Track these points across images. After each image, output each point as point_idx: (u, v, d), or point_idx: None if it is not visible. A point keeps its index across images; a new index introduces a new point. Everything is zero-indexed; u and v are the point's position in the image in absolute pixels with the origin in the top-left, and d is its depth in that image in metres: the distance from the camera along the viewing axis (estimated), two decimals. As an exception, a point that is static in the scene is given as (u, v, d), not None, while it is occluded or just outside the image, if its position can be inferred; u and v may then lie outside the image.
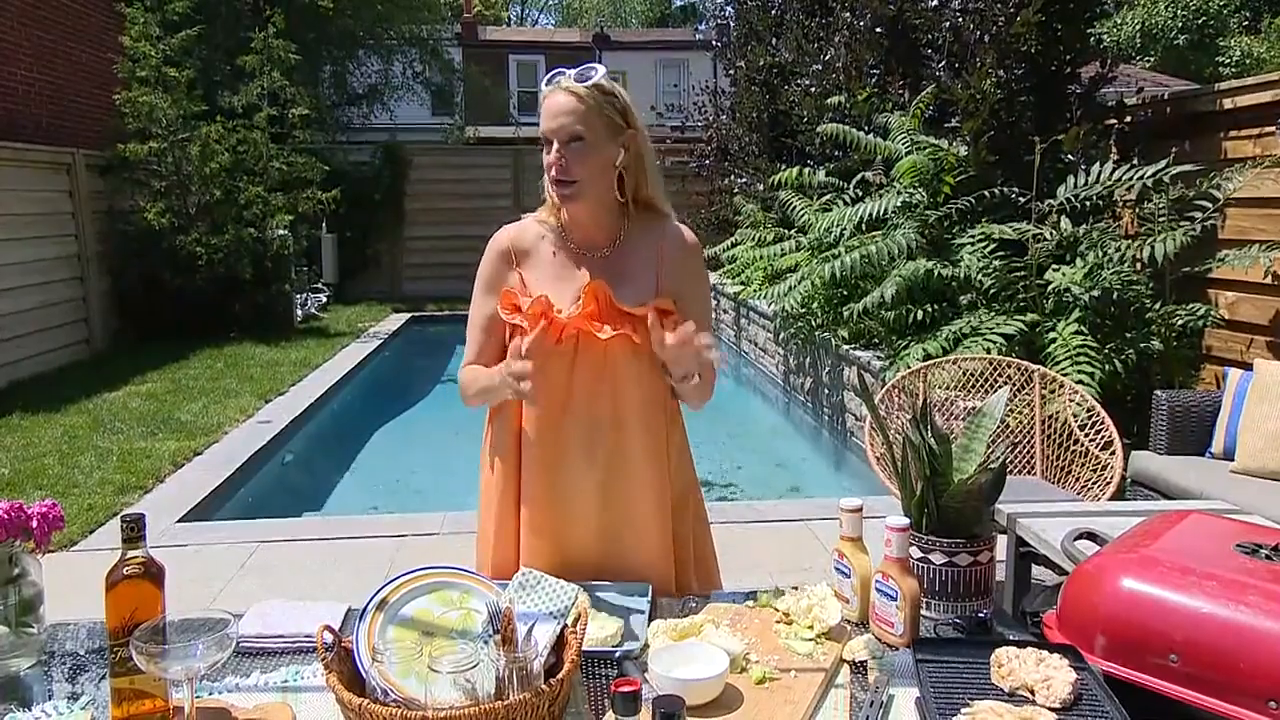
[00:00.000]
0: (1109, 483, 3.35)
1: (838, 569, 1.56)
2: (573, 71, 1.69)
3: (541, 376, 1.62)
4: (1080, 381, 4.09)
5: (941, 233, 5.48)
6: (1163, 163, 4.72)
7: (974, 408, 3.66)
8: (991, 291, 5.05)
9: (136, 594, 1.25)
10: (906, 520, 1.47)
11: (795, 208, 7.03)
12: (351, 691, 1.18)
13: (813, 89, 7.52)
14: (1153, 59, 18.30)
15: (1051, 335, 4.62)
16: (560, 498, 1.72)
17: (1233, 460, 3.60)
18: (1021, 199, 5.24)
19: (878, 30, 6.64)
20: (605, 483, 1.71)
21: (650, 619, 1.52)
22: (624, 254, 1.73)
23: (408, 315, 12.02)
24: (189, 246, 9.29)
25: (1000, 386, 3.65)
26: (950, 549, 1.53)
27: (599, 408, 1.70)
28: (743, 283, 8.44)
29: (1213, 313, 4.79)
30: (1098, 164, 4.99)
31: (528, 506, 1.75)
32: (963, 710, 1.18)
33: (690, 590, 1.77)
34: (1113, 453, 3.42)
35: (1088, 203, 5.03)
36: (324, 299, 12.29)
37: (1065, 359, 4.37)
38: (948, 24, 5.89)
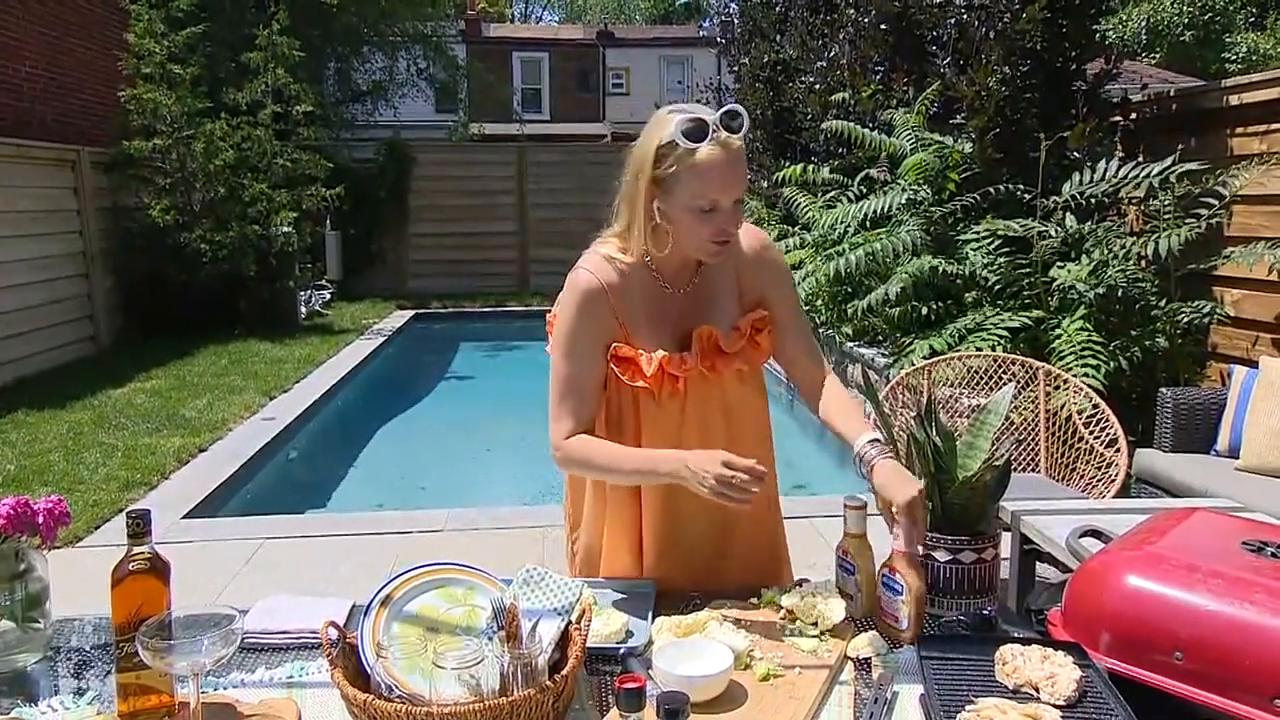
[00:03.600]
0: (1114, 480, 3.34)
1: (842, 566, 1.56)
2: (716, 118, 1.51)
3: (659, 429, 1.62)
4: (1085, 378, 4.08)
5: (946, 229, 5.47)
6: (1169, 160, 4.70)
7: (978, 405, 3.66)
8: (996, 288, 5.04)
9: (142, 590, 1.25)
10: None
11: (799, 205, 7.02)
12: (356, 687, 1.18)
13: (817, 86, 7.51)
14: (1159, 55, 18.22)
15: (1057, 332, 4.61)
16: (679, 526, 1.69)
17: (1238, 458, 3.59)
18: (1026, 196, 5.22)
19: (882, 27, 6.63)
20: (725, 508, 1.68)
21: (654, 616, 1.53)
22: (705, 280, 1.68)
23: (412, 312, 12.04)
24: (193, 243, 9.30)
25: (1005, 383, 3.64)
26: (955, 546, 1.52)
27: (712, 438, 1.64)
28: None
29: (1218, 310, 4.78)
30: (1104, 161, 4.97)
31: (650, 535, 1.70)
32: (967, 707, 1.18)
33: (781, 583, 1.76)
34: (1118, 450, 3.41)
35: (1093, 199, 5.01)
36: (328, 296, 12.30)
37: (1070, 355, 4.36)
38: (953, 20, 5.88)
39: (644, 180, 1.55)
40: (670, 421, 1.64)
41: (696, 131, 1.49)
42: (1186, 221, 4.69)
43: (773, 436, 1.81)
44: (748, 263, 1.70)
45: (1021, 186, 5.25)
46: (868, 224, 5.86)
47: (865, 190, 6.30)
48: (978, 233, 5.20)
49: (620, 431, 1.65)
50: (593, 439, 1.63)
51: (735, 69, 10.37)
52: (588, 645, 1.30)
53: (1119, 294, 4.73)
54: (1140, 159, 4.89)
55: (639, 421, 1.64)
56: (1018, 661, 1.26)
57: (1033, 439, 3.75)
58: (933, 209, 5.47)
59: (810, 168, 7.01)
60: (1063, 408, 3.70)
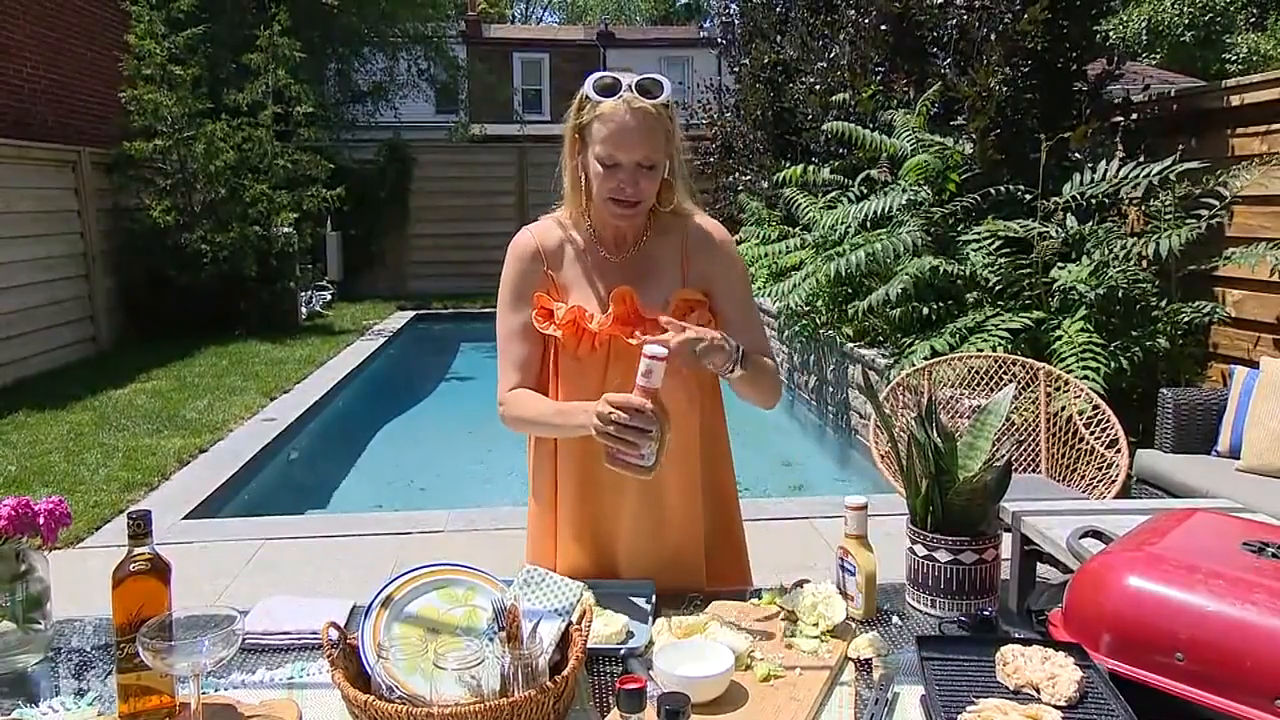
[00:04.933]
0: (1114, 481, 3.34)
1: (842, 566, 1.56)
2: (634, 80, 1.56)
3: (576, 384, 1.62)
4: (1086, 379, 4.08)
5: (947, 230, 5.47)
6: (1169, 160, 4.70)
7: (979, 405, 3.66)
8: (997, 289, 5.04)
9: (143, 590, 1.25)
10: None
11: (800, 205, 7.01)
12: (357, 688, 1.18)
13: (817, 86, 7.51)
14: (1159, 56, 18.24)
15: (1057, 333, 4.61)
16: (595, 502, 1.70)
17: (1239, 458, 3.59)
18: (1027, 196, 5.22)
19: (883, 27, 6.62)
20: (641, 486, 1.67)
21: (655, 616, 1.53)
22: (649, 252, 1.70)
23: (412, 312, 12.04)
24: (194, 244, 9.31)
25: (1006, 384, 3.64)
26: (955, 547, 1.52)
27: None
28: (747, 280, 8.41)
29: (1219, 310, 4.77)
30: (1104, 161, 4.97)
31: (565, 512, 1.72)
32: (968, 708, 1.18)
33: (723, 585, 1.74)
34: (1118, 451, 3.41)
35: (1094, 200, 5.01)
36: (329, 296, 12.31)
37: (1071, 356, 4.36)
38: (953, 21, 5.87)
39: (569, 130, 1.63)
40: (590, 381, 1.63)
41: (605, 89, 1.57)
42: (1187, 222, 4.69)
43: (714, 428, 1.80)
44: (698, 246, 1.71)
45: (1022, 187, 5.25)
46: (868, 225, 5.86)
47: (866, 191, 6.29)
48: (978, 233, 5.20)
49: (544, 388, 1.68)
50: (527, 392, 1.66)
51: (735, 70, 10.36)
52: (588, 646, 1.30)
53: (1120, 295, 4.73)
54: (1141, 160, 4.89)
55: (557, 373, 1.66)
56: (1019, 662, 1.26)
57: (1033, 440, 3.75)
58: (933, 210, 5.47)
59: (811, 168, 7.01)
60: (1063, 408, 3.70)
